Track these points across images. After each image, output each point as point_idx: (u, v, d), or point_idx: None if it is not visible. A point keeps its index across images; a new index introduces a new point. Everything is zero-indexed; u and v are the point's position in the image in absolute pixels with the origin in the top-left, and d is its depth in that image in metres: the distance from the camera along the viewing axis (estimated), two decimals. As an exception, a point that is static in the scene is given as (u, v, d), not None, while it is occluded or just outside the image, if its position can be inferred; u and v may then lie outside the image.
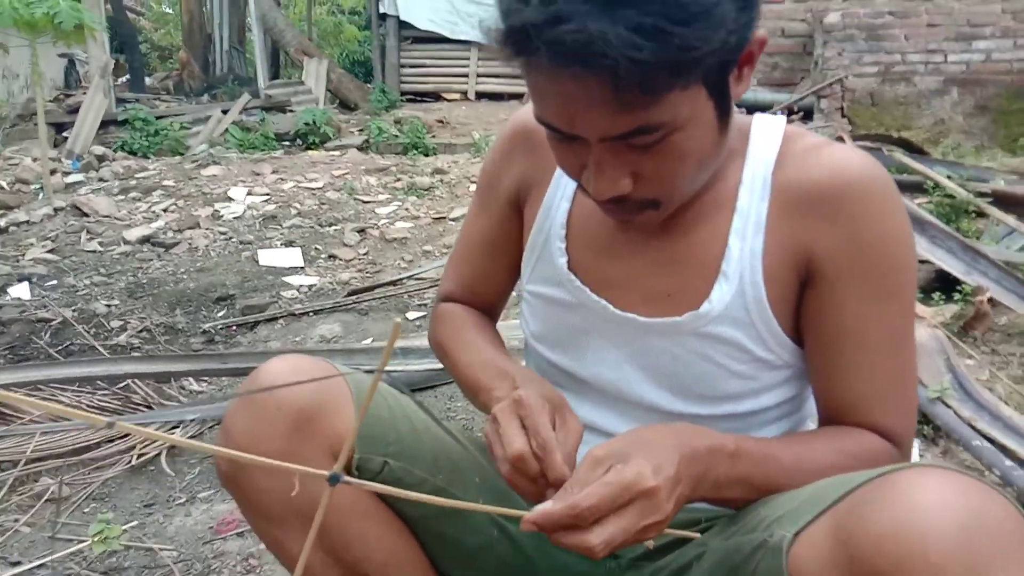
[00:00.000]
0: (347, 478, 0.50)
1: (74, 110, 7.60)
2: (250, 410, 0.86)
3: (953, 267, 2.50)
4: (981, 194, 3.18)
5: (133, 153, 7.09)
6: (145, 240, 4.24)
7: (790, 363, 0.88)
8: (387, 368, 2.29)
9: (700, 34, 0.66)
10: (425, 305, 3.11)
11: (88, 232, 4.43)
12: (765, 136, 0.87)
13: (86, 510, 1.84)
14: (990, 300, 2.39)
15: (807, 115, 5.92)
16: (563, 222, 0.94)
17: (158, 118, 7.71)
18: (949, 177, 3.30)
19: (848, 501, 0.64)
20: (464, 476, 0.94)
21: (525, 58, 0.71)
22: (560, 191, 0.95)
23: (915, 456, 1.94)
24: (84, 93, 8.05)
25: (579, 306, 0.93)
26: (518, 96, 9.56)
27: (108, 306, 3.31)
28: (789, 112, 5.57)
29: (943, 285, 2.60)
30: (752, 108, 0.96)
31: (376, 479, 0.88)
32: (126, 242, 4.24)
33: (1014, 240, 3.02)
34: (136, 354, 2.74)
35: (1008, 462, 1.81)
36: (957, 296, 2.49)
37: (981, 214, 3.14)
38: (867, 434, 0.84)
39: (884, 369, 0.84)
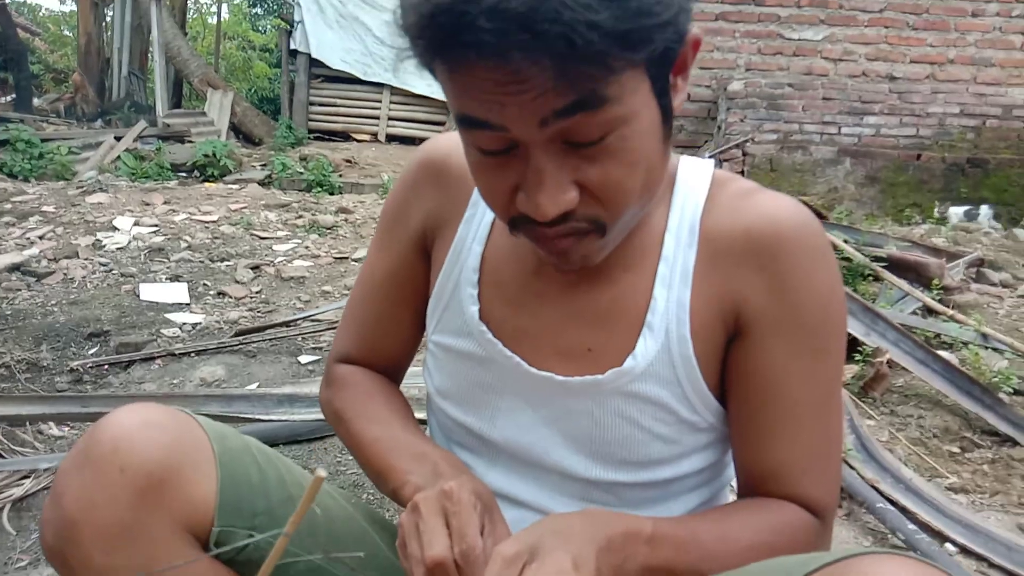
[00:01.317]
0: None
1: (-52, 127, 7.07)
2: (87, 472, 0.71)
3: (854, 328, 2.53)
4: (876, 258, 3.27)
5: (13, 176, 6.62)
6: (14, 268, 3.89)
7: (714, 426, 0.81)
8: (275, 418, 2.11)
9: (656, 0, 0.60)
10: (320, 348, 2.93)
11: (-51, 257, 4.03)
12: (692, 179, 0.80)
13: (-99, 575, 1.58)
14: (889, 362, 2.42)
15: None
16: (475, 266, 0.83)
17: (44, 140, 7.27)
18: (846, 241, 3.40)
19: None
20: (347, 551, 0.81)
21: (450, 44, 0.59)
22: (472, 231, 0.84)
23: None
24: (-39, 109, 7.51)
25: (490, 361, 0.82)
26: (429, 142, 9.52)
27: (-37, 339, 2.98)
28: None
29: (843, 345, 2.63)
30: None
31: (239, 557, 0.74)
32: (-8, 269, 3.88)
33: (907, 304, 3.11)
34: (-12, 393, 2.45)
35: (911, 526, 1.80)
36: (857, 357, 2.52)
37: (876, 278, 3.23)
38: (789, 506, 0.77)
39: (810, 434, 0.77)
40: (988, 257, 4.03)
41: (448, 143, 0.89)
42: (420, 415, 0.91)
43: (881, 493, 1.91)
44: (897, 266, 3.31)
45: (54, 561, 0.73)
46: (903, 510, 1.86)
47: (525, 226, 0.69)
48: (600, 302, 0.79)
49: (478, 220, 0.85)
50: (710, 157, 6.12)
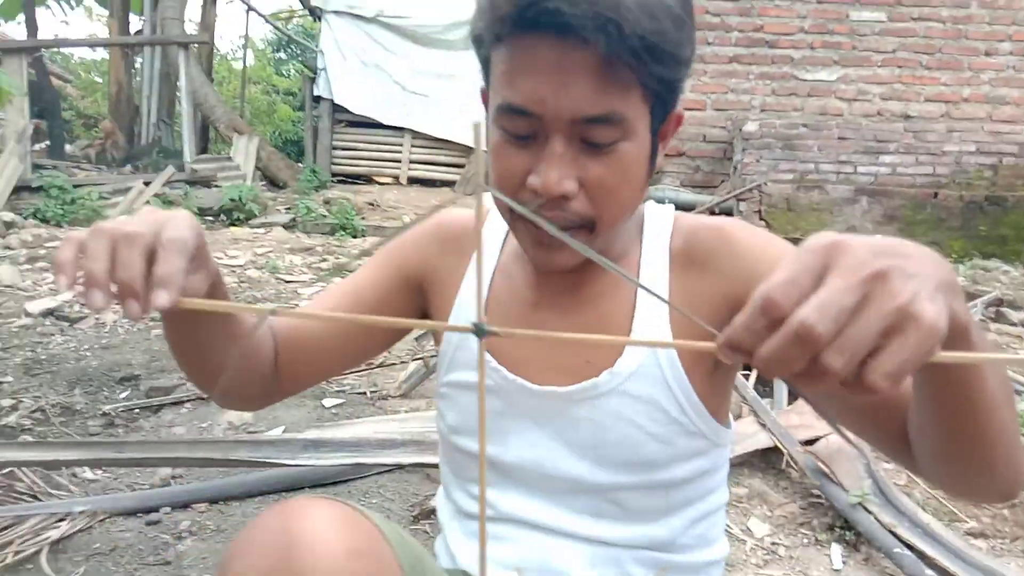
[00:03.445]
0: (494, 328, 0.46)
1: (-15, 174, 7.30)
2: None
3: (869, 371, 2.55)
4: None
5: (46, 221, 6.82)
6: (49, 313, 4.01)
7: (704, 432, 0.89)
8: (301, 463, 2.17)
9: (685, 36, 0.75)
10: (344, 392, 3.00)
11: (-14, 302, 4.17)
12: (658, 217, 0.94)
13: (-54, 617, 1.64)
14: (905, 405, 2.43)
15: (727, 216, 6.14)
16: (480, 310, 0.92)
17: (76, 186, 7.47)
18: (862, 282, 3.42)
19: None
20: None
21: (524, 22, 0.72)
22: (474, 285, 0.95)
23: (837, 563, 1.92)
24: (-2, 157, 7.75)
25: (498, 389, 0.92)
26: (450, 183, 9.67)
27: (0, 383, 3.08)
28: (711, 212, 5.77)
29: (860, 388, 2.64)
30: (677, 207, 0.99)
31: None
32: (28, 315, 4.00)
33: (924, 345, 3.12)
34: (27, 438, 2.53)
35: (929, 572, 1.81)
36: (874, 400, 2.53)
37: (893, 319, 3.25)
38: None
39: None
40: (1007, 297, 4.03)
41: (461, 215, 1.02)
42: (431, 458, 0.97)
43: (898, 538, 1.92)
44: (914, 307, 3.32)
45: None
46: (920, 555, 1.88)
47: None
48: (590, 322, 0.90)
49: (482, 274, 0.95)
50: (729, 196, 6.18)
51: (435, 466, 0.98)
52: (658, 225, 0.93)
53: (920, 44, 6.77)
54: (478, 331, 0.50)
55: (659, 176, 7.06)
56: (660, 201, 0.94)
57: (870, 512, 2.00)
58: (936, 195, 6.15)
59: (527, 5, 0.70)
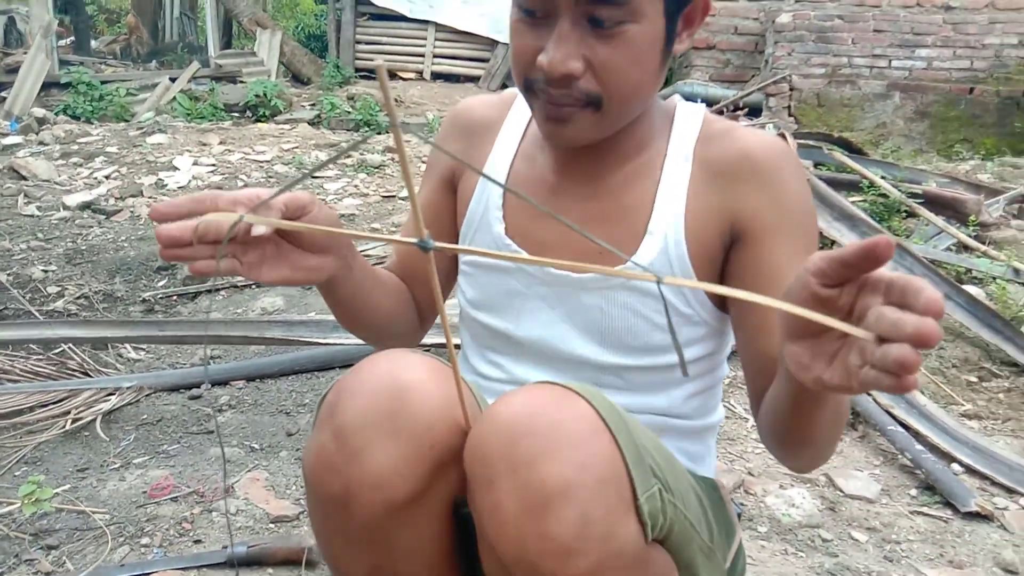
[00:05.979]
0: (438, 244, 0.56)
1: (13, 70, 7.36)
2: (397, 442, 0.75)
3: (881, 263, 2.61)
4: (913, 195, 3.30)
5: (76, 117, 6.90)
6: (86, 206, 4.15)
7: (707, 320, 0.95)
8: (332, 342, 2.30)
9: None
10: (371, 282, 3.11)
11: (26, 196, 4.31)
12: (687, 117, 0.96)
13: (17, 473, 1.82)
14: (913, 295, 2.50)
15: (754, 112, 6.04)
16: (500, 193, 0.99)
17: (103, 83, 7.52)
18: (884, 177, 3.42)
19: None
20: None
21: None
22: (497, 168, 1.00)
23: (835, 440, 2.04)
24: (25, 53, 7.78)
25: (516, 270, 0.98)
26: (474, 79, 9.53)
27: (45, 271, 3.24)
28: (736, 108, 5.68)
29: (871, 280, 2.70)
30: (704, 102, 1.02)
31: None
32: (66, 208, 4.14)
33: (941, 240, 3.15)
34: (73, 319, 2.70)
35: (918, 446, 1.92)
36: (883, 291, 2.60)
37: (912, 214, 3.27)
38: None
39: None
40: (1033, 193, 3.99)
41: (473, 101, 1.08)
42: (455, 340, 1.05)
43: (894, 417, 2.03)
44: (934, 202, 3.33)
45: (325, 501, 0.78)
46: (914, 433, 1.98)
47: (537, 89, 0.85)
48: (608, 213, 0.93)
49: (501, 158, 1.01)
50: (754, 89, 6.07)
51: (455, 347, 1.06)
52: (687, 125, 0.94)
53: (967, -72, 6.43)
54: (422, 246, 0.55)
55: (688, 70, 6.91)
56: (688, 97, 0.95)
57: (868, 393, 2.10)
58: (972, 91, 5.99)
59: None
